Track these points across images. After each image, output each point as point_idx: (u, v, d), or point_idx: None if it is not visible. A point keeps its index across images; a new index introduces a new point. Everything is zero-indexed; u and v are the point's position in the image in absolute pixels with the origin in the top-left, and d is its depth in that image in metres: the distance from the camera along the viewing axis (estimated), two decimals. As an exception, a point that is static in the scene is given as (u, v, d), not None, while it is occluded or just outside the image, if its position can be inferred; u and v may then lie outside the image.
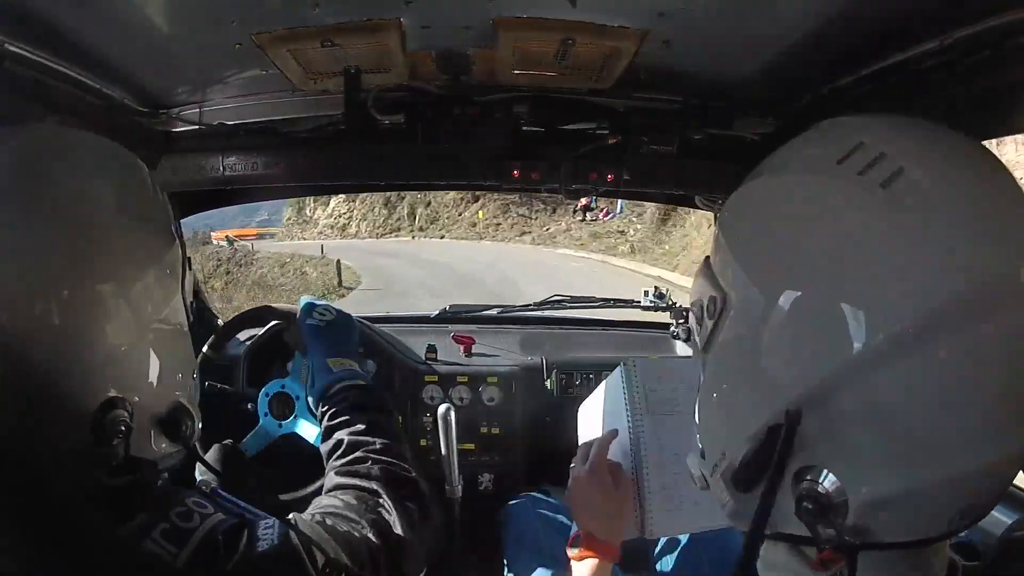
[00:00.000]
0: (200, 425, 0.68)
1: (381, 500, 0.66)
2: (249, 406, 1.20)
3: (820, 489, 0.40)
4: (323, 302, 1.00)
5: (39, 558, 0.42)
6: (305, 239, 23.80)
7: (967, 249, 0.35)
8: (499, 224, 19.27)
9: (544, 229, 17.80)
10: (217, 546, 0.53)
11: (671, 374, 0.82)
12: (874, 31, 0.75)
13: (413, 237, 21.11)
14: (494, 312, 1.76)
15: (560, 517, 1.12)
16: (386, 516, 0.65)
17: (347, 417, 0.77)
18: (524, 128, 1.11)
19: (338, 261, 13.89)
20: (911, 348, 0.35)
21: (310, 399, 0.88)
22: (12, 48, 0.75)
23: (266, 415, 1.17)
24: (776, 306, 0.41)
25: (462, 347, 1.51)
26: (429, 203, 21.54)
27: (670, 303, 1.63)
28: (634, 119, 1.09)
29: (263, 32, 0.82)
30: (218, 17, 0.78)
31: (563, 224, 17.28)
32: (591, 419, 0.97)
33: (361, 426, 0.75)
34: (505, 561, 1.08)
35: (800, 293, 0.40)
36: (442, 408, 1.22)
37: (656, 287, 1.70)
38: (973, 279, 0.35)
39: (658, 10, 0.76)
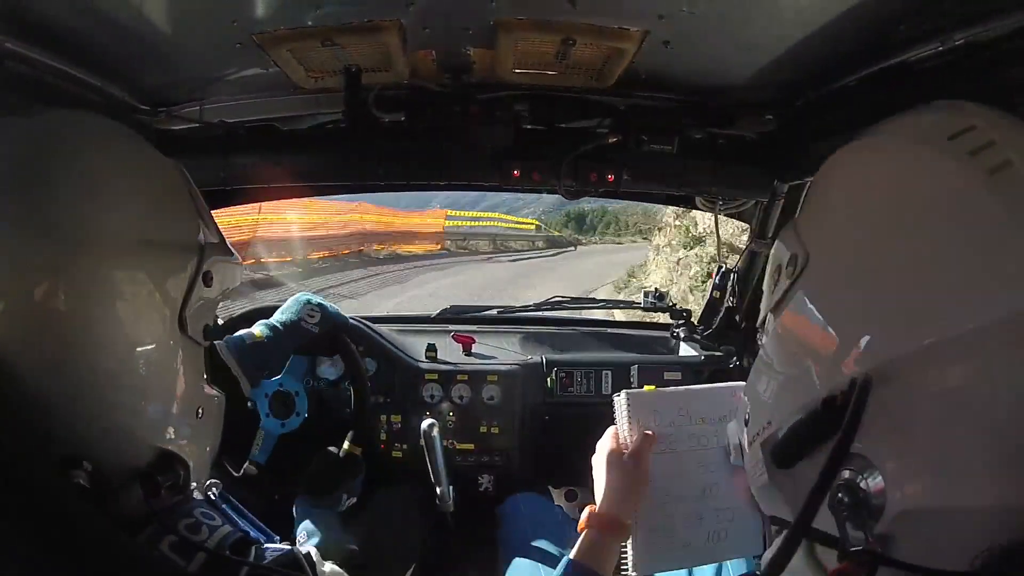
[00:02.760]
0: (198, 473, 0.61)
1: None
2: (249, 404, 1.21)
3: (861, 482, 0.37)
4: None
5: (48, 568, 0.42)
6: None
7: None
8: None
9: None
10: (224, 560, 0.54)
11: (669, 407, 0.74)
12: (874, 31, 0.75)
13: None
14: (494, 312, 1.76)
15: (551, 516, 1.12)
16: None
17: None
18: (525, 127, 1.11)
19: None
20: (1001, 343, 0.33)
21: None
22: (12, 46, 0.75)
23: (267, 416, 1.18)
24: (863, 271, 0.39)
25: (462, 346, 1.51)
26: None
27: (670, 304, 1.64)
28: (634, 118, 1.09)
29: (264, 32, 0.82)
30: (219, 17, 0.78)
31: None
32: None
33: None
34: (502, 562, 1.08)
35: (894, 261, 0.38)
36: (425, 424, 1.21)
37: (656, 288, 1.70)
38: None
39: (658, 12, 0.76)
